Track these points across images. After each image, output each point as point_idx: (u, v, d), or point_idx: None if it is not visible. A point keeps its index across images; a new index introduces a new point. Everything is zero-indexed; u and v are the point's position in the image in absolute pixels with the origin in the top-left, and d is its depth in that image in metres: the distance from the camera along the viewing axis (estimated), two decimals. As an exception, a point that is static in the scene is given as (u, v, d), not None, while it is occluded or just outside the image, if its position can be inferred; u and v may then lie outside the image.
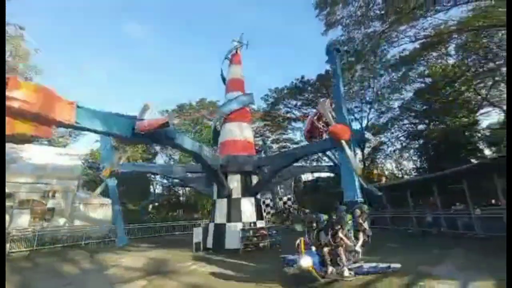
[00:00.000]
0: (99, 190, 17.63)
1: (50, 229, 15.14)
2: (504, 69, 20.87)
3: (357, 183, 8.03)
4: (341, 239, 6.30)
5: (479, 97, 23.28)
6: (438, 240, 11.89)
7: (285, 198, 23.00)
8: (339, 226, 6.38)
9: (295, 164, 14.74)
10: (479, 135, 23.18)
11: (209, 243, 12.40)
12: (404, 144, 28.77)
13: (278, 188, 23.09)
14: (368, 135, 10.15)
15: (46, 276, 8.13)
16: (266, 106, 34.09)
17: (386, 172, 30.88)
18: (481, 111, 23.95)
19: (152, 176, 31.93)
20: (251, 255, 10.38)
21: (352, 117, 30.69)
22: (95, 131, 6.67)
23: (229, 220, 12.47)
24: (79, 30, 72.99)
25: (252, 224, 12.48)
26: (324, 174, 28.78)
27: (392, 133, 29.64)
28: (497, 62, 20.64)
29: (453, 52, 23.43)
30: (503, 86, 22.53)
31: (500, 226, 10.04)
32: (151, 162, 31.57)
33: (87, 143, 72.26)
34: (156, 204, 33.34)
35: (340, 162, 9.00)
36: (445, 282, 5.77)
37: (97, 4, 72.80)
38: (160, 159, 35.38)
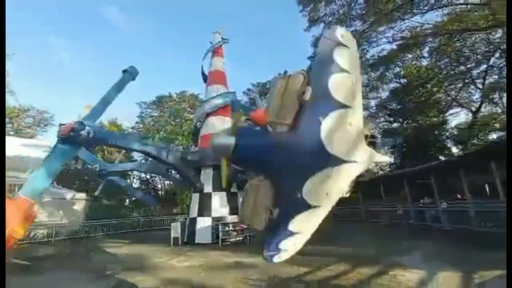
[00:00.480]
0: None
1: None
2: (475, 72, 22.33)
3: None
4: None
5: (449, 98, 24.77)
6: (408, 231, 12.62)
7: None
8: None
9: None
10: (448, 134, 24.71)
11: (203, 237, 12.25)
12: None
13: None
14: None
15: (13, 272, 7.63)
16: (248, 100, 33.94)
17: (363, 168, 32.12)
18: (450, 111, 25.57)
19: (128, 172, 30.85)
20: (230, 249, 10.41)
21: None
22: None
23: (200, 214, 12.44)
24: (53, 14, 67.86)
25: (220, 219, 12.43)
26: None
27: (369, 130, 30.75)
28: (468, 66, 22.01)
29: (427, 55, 24.65)
30: (472, 88, 24.12)
31: (464, 218, 10.86)
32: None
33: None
34: (134, 198, 32.34)
35: None
36: (413, 271, 6.14)
37: (70, -14, 67.90)
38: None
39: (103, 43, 75.21)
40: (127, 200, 30.86)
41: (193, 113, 25.32)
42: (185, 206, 25.86)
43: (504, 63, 20.37)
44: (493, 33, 18.48)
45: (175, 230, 12.06)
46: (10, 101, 25.21)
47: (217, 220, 12.17)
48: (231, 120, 15.56)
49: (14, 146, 18.43)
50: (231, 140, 2.98)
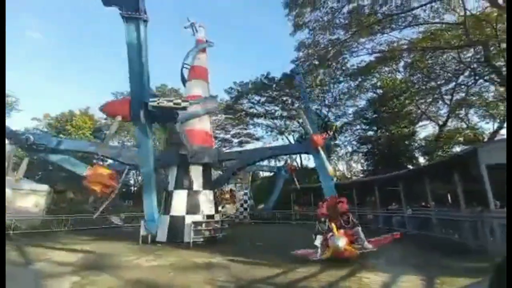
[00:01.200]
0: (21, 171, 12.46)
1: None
2: (444, 89, 23.94)
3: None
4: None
5: (419, 111, 26.35)
6: (375, 236, 13.13)
7: (241, 193, 23.12)
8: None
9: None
10: (416, 144, 26.24)
11: (160, 236, 11.83)
12: (354, 148, 31.18)
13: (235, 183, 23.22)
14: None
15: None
16: (230, 99, 33.69)
17: (338, 173, 33.13)
18: (420, 123, 27.20)
19: (100, 161, 29.21)
20: (201, 248, 10.21)
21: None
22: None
23: (188, 212, 12.10)
24: (19, -12, 62.58)
25: (209, 217, 12.33)
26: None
27: (346, 137, 31.87)
28: (438, 82, 23.57)
29: (402, 69, 26.11)
30: (440, 104, 25.87)
31: (427, 225, 11.53)
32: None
33: (20, 122, 63.75)
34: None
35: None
36: (379, 275, 6.38)
37: (45, -37, 63.25)
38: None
39: (78, 26, 70.82)
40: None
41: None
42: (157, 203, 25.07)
43: (472, 81, 22.09)
44: (464, 52, 19.92)
45: (145, 227, 11.54)
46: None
47: (205, 218, 12.04)
48: (207, 117, 15.17)
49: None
50: None
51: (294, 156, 30.46)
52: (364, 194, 18.49)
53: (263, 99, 32.53)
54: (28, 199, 16.34)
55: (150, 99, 8.13)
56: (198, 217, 12.00)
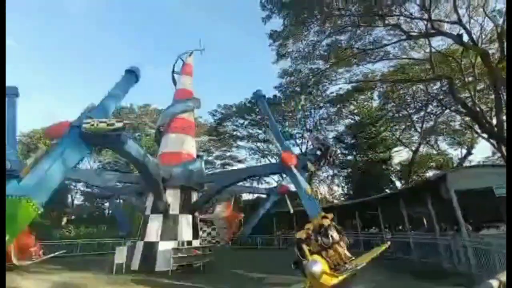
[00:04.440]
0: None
1: None
2: (415, 117, 25.84)
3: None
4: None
5: (394, 137, 28.04)
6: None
7: (221, 216, 22.55)
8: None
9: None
10: (392, 169, 27.52)
11: (135, 264, 11.14)
12: (335, 171, 32.00)
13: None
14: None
15: None
16: (213, 121, 33.98)
17: (320, 196, 33.50)
18: (395, 149, 28.80)
19: (72, 183, 27.56)
20: (182, 277, 9.70)
21: (294, 141, 33.02)
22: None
23: (162, 238, 11.51)
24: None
25: (186, 244, 11.79)
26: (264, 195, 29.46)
27: (326, 160, 32.75)
28: (409, 111, 25.47)
29: (376, 98, 28.09)
30: (412, 131, 27.72)
31: (404, 249, 11.84)
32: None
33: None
34: (73, 217, 28.67)
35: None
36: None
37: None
38: (86, 165, 31.07)
39: (64, 38, 69.92)
40: (65, 219, 27.25)
41: (154, 128, 24.29)
42: (135, 229, 23.69)
43: (440, 111, 24.11)
44: (431, 84, 21.91)
45: (120, 255, 10.82)
46: None
47: (182, 244, 11.44)
48: (193, 139, 15.28)
49: None
50: None
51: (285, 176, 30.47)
52: (345, 218, 18.78)
53: (246, 122, 33.09)
54: None
55: (84, 121, 7.34)
56: (173, 244, 11.38)
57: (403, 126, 27.78)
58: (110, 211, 31.03)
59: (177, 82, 16.70)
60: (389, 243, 8.25)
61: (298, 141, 32.33)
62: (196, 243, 12.52)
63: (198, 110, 16.87)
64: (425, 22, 15.69)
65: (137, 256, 11.35)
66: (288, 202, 18.08)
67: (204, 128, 34.33)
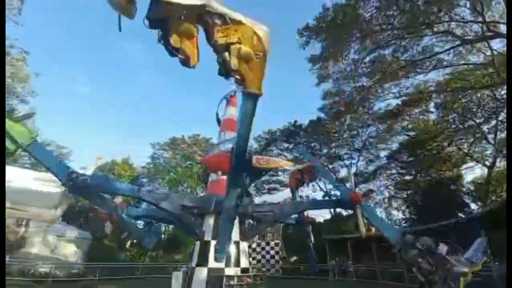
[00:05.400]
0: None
1: (19, 260, 13.85)
2: (485, 127, 22.51)
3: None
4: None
5: (461, 152, 24.54)
6: None
7: (272, 243, 22.04)
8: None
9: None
10: (464, 189, 23.82)
11: None
12: (392, 193, 29.09)
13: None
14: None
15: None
16: (258, 146, 34.71)
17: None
18: (464, 166, 25.04)
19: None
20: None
21: (342, 162, 31.45)
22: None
23: (228, 265, 11.50)
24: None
25: (243, 271, 11.60)
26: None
27: (381, 181, 30.18)
28: (477, 121, 22.32)
29: (433, 110, 25.41)
30: (484, 143, 23.99)
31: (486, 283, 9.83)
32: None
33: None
34: (135, 241, 31.13)
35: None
36: None
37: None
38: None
39: (120, 80, 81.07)
40: (128, 242, 29.75)
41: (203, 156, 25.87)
42: (189, 253, 24.59)
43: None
44: (499, 89, 19.16)
45: (177, 280, 11.17)
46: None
47: (214, 271, 11.24)
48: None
49: (27, 179, 18.77)
50: None
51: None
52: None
53: (291, 146, 33.03)
54: (69, 246, 17.19)
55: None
56: (236, 270, 11.34)
57: (472, 139, 24.25)
58: (165, 236, 32.90)
59: (224, 111, 17.83)
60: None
61: (347, 162, 30.84)
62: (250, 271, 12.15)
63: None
64: (480, 25, 14.27)
65: (201, 283, 10.64)
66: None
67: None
